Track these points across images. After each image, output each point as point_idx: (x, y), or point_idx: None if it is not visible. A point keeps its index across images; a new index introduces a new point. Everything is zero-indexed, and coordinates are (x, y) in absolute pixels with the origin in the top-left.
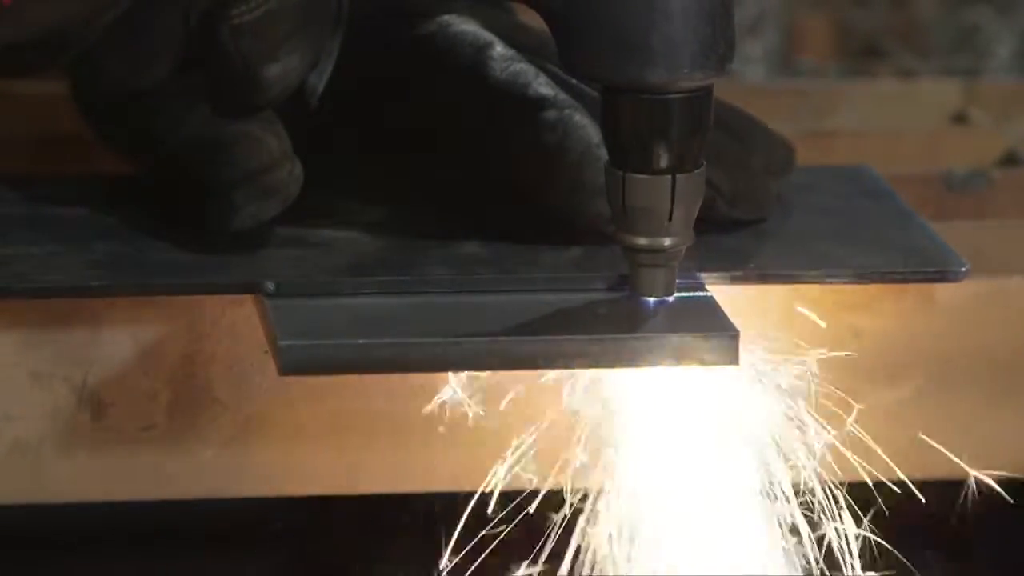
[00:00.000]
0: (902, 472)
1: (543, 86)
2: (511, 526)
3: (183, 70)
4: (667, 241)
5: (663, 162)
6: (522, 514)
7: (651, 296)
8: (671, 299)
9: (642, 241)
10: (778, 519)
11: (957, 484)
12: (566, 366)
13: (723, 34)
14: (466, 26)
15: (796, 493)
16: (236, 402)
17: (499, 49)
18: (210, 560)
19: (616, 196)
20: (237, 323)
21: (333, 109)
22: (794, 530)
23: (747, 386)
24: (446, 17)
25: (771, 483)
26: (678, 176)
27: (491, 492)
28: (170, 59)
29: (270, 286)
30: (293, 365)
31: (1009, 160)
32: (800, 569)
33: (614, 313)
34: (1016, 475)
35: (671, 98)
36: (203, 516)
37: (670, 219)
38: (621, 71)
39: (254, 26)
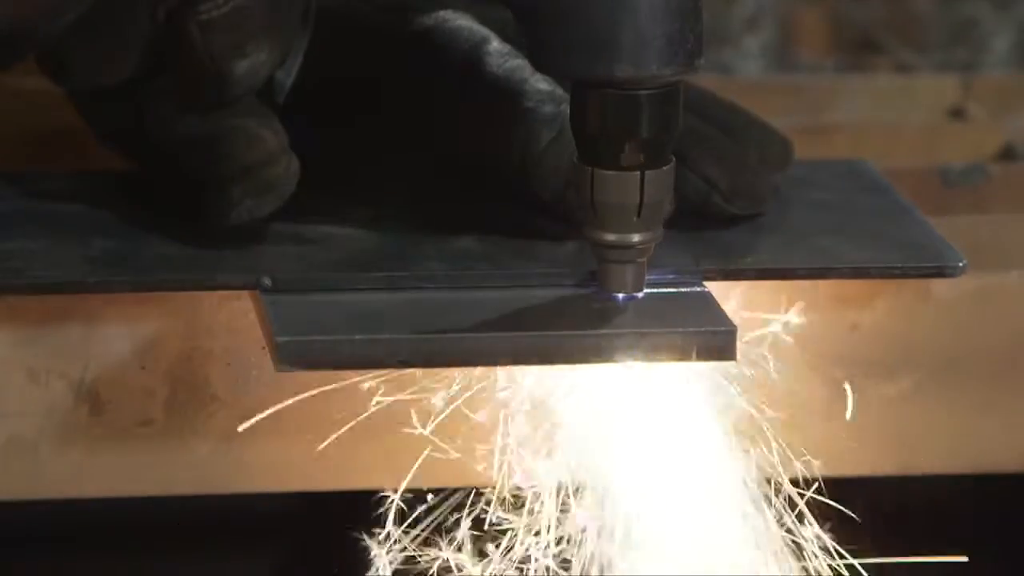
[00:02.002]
0: (899, 467)
1: (540, 81)
2: (509, 521)
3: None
4: (636, 237)
5: (632, 158)
6: (519, 509)
7: (619, 292)
8: (639, 295)
9: (611, 237)
10: (768, 516)
11: (955, 479)
12: (564, 362)
13: (692, 30)
14: (462, 21)
15: (788, 488)
16: (233, 398)
17: (495, 44)
18: (207, 556)
19: (585, 192)
20: (234, 319)
21: (329, 105)
22: (786, 527)
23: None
24: (442, 12)
25: (759, 479)
26: (647, 172)
27: (487, 488)
28: (138, 55)
29: (267, 282)
30: (290, 361)
31: (1007, 154)
32: (792, 567)
33: (611, 308)
34: (1015, 470)
35: (640, 94)
36: (200, 512)
37: (639, 215)
38: (589, 67)
39: (222, 22)
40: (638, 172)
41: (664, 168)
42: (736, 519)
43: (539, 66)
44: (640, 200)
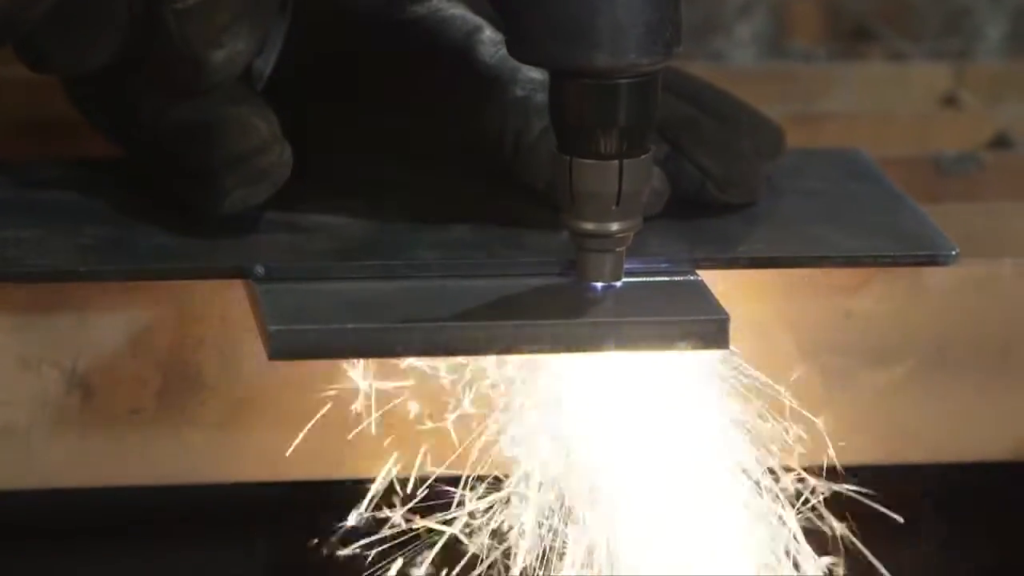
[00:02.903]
0: (893, 455)
1: (533, 70)
2: (501, 512)
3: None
4: (614, 226)
5: (610, 147)
6: (508, 499)
7: (598, 282)
8: (617, 284)
9: (589, 226)
10: (763, 508)
11: (948, 467)
12: (557, 350)
13: (670, 18)
14: (455, 10)
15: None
16: (225, 387)
17: (488, 33)
18: (199, 544)
19: (563, 181)
20: (227, 308)
21: (324, 95)
22: (779, 518)
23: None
24: (435, 1)
25: (753, 471)
26: (625, 161)
27: (477, 477)
28: (115, 44)
29: (260, 270)
30: (282, 350)
31: (999, 143)
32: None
33: (604, 297)
34: (1007, 458)
35: (618, 83)
36: (192, 500)
37: (617, 204)
38: (567, 56)
39: (198, 11)
40: (616, 161)
41: (642, 157)
42: (728, 509)
43: (517, 55)
44: (619, 189)
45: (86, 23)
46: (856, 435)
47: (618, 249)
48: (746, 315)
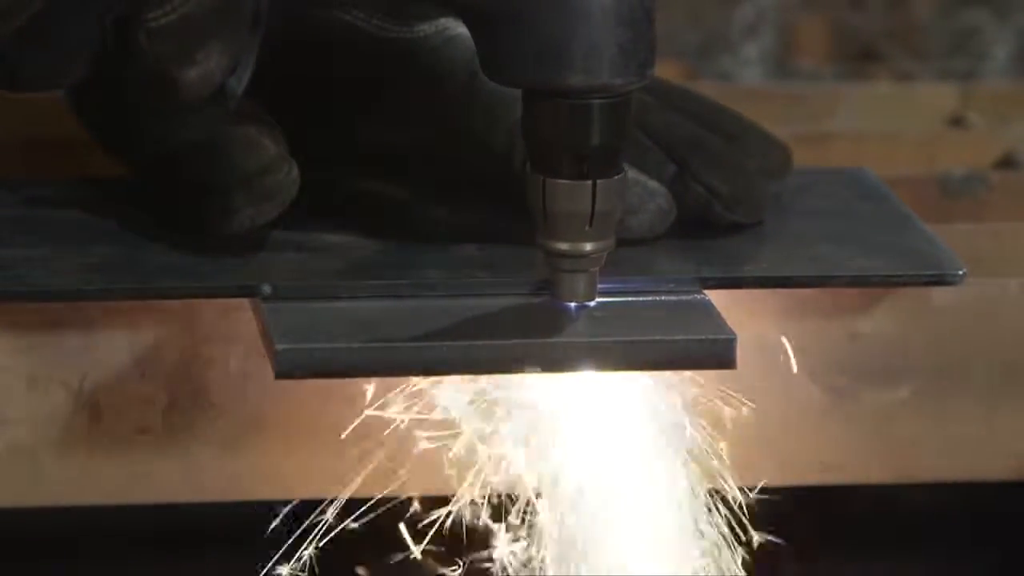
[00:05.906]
0: (898, 475)
1: None
2: (505, 527)
3: None
4: (588, 246)
5: (583, 167)
6: (516, 514)
7: (572, 302)
8: (591, 304)
9: (563, 246)
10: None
11: (953, 487)
12: (565, 369)
13: (644, 39)
14: (462, 29)
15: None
16: (232, 405)
17: None
18: (206, 563)
19: (537, 201)
20: (234, 326)
21: (329, 111)
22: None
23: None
24: (443, 20)
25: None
26: (599, 181)
27: (483, 494)
28: (86, 61)
29: (267, 289)
30: (289, 368)
31: (1006, 163)
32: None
33: (611, 316)
34: (1013, 478)
35: (591, 103)
36: (199, 520)
37: (591, 224)
38: (540, 76)
39: (170, 30)
40: (590, 181)
41: (616, 177)
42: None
43: (491, 74)
44: (592, 209)
45: (58, 41)
46: (862, 455)
47: (592, 269)
48: (752, 335)
